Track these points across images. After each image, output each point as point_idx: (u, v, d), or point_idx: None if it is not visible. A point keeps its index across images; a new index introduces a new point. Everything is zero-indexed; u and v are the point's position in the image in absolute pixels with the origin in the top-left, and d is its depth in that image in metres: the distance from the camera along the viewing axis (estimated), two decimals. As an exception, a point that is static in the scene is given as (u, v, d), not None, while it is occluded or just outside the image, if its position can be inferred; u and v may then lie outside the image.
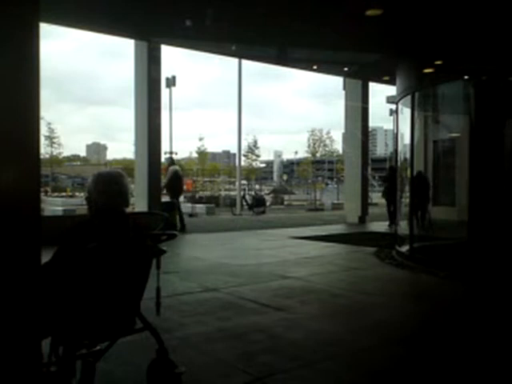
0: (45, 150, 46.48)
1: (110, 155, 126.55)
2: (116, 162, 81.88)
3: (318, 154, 51.60)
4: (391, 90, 15.36)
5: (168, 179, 13.64)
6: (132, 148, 35.59)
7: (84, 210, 3.00)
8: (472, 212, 7.54)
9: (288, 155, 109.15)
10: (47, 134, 47.19)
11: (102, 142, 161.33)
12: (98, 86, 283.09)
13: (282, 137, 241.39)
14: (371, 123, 17.60)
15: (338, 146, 53.57)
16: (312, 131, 48.83)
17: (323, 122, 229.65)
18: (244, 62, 24.52)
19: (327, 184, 52.98)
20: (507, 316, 5.12)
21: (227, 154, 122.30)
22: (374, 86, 16.59)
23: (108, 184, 2.88)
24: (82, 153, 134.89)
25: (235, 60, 23.84)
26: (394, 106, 11.16)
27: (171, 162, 14.61)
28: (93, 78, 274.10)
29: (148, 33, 11.42)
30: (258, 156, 47.00)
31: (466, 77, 7.77)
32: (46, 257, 2.41)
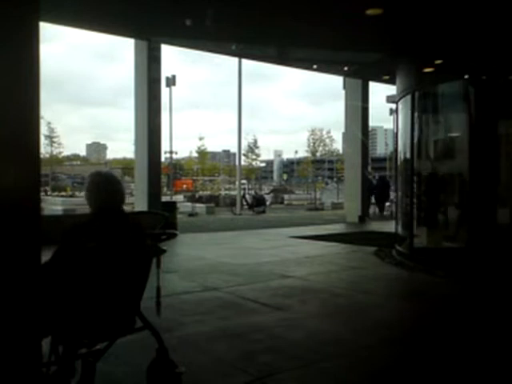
0: (45, 150, 46.52)
1: (110, 155, 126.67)
2: (116, 161, 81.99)
3: (318, 154, 51.59)
4: (391, 90, 15.37)
5: None
6: (132, 148, 35.67)
7: (84, 209, 3.01)
8: (471, 212, 7.54)
9: (287, 155, 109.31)
10: (47, 133, 47.23)
11: (102, 142, 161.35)
12: (96, 87, 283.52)
13: (280, 137, 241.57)
14: (371, 123, 17.63)
15: (338, 145, 53.64)
16: (312, 131, 48.85)
17: (322, 123, 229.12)
18: (237, 62, 24.52)
19: (327, 183, 53.03)
20: (506, 314, 5.12)
21: (227, 153, 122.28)
22: (374, 86, 16.63)
23: (107, 183, 2.89)
24: (82, 152, 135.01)
25: (234, 60, 23.87)
26: (394, 106, 11.16)
27: None
28: (90, 78, 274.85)
29: (148, 32, 11.41)
30: (257, 155, 47.03)
31: (466, 76, 7.76)
32: (45, 256, 2.41)
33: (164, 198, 19.56)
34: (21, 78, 1.92)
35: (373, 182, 20.11)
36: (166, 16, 9.36)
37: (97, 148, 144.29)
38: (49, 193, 37.63)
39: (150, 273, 2.88)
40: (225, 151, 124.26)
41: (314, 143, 48.69)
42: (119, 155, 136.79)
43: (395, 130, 10.09)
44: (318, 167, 65.01)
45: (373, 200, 19.65)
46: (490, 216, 7.28)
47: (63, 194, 37.75)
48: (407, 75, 9.17)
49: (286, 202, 35.10)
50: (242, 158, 32.97)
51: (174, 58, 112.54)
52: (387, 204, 20.15)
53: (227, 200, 28.31)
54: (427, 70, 8.58)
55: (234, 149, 71.15)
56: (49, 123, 47.93)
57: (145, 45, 11.99)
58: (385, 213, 19.38)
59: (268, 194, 38.49)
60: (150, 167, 12.19)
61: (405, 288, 6.94)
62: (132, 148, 38.33)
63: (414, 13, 8.06)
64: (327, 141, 50.68)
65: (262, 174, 70.20)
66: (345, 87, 16.41)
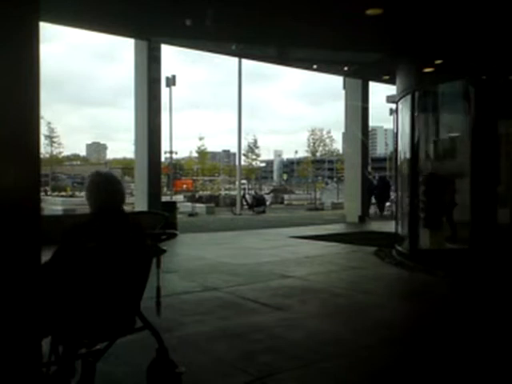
0: (45, 150, 46.55)
1: (110, 155, 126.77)
2: (116, 161, 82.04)
3: (318, 154, 51.61)
4: (391, 90, 15.38)
5: None
6: (132, 148, 35.71)
7: (84, 209, 3.01)
8: (472, 212, 7.53)
9: (287, 155, 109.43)
10: (47, 133, 47.29)
11: (102, 142, 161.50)
12: (96, 87, 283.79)
13: (280, 137, 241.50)
14: (371, 123, 17.65)
15: (338, 145, 53.69)
16: (312, 131, 48.88)
17: (322, 123, 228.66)
18: (237, 62, 24.53)
19: (327, 183, 53.10)
20: (506, 315, 5.12)
21: (227, 153, 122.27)
22: (374, 86, 16.64)
23: (107, 183, 2.88)
24: (82, 152, 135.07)
25: (234, 60, 23.87)
26: (394, 106, 11.16)
27: None
28: (90, 78, 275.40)
29: (148, 32, 11.42)
30: (257, 155, 47.06)
31: (466, 76, 7.76)
32: (45, 256, 2.41)
33: (164, 198, 19.56)
34: (21, 78, 1.92)
35: (373, 182, 20.25)
36: (166, 16, 9.36)
37: (97, 148, 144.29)
38: (49, 193, 37.64)
39: (150, 273, 2.88)
40: (225, 151, 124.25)
41: (314, 143, 48.72)
42: (119, 155, 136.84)
43: (395, 130, 10.09)
44: (318, 167, 65.02)
45: (373, 200, 19.88)
46: (490, 216, 7.27)
47: (63, 194, 37.77)
48: (407, 75, 9.17)
49: (286, 202, 35.12)
50: (242, 157, 33.01)
51: (174, 57, 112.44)
52: (388, 204, 20.32)
53: (227, 200, 28.32)
54: (427, 69, 8.57)
55: (234, 149, 71.22)
56: (49, 123, 48.00)
57: (145, 45, 11.99)
58: (385, 213, 19.51)
59: (268, 193, 38.50)
60: (150, 167, 12.20)
61: (405, 288, 6.94)
62: (132, 148, 38.42)
63: (414, 13, 8.06)
64: (327, 141, 50.76)
65: (262, 173, 70.24)
66: (345, 87, 16.41)
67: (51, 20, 9.53)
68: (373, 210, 19.55)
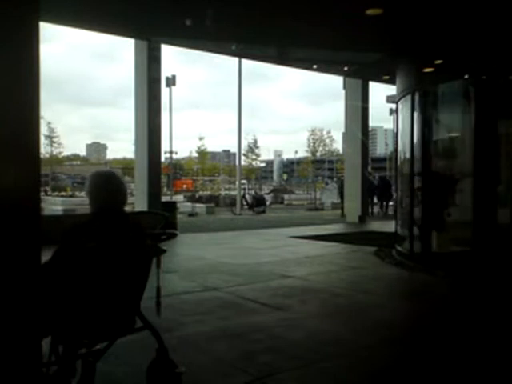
0: (45, 150, 46.63)
1: (110, 155, 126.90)
2: (116, 161, 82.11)
3: (318, 154, 51.64)
4: (391, 90, 15.38)
5: None
6: (132, 148, 35.75)
7: (84, 209, 3.01)
8: (473, 212, 7.53)
9: (287, 155, 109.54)
10: (47, 133, 47.35)
11: (102, 142, 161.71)
12: (96, 87, 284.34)
13: (280, 137, 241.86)
14: (371, 123, 17.65)
15: (338, 145, 53.74)
16: (312, 131, 48.91)
17: (322, 123, 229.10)
18: (237, 62, 24.54)
19: (327, 183, 53.20)
20: (506, 315, 5.12)
21: (227, 153, 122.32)
22: (374, 86, 16.64)
23: (107, 182, 2.88)
24: (82, 152, 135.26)
25: (234, 60, 23.88)
26: (394, 106, 11.16)
27: None
28: (90, 78, 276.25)
29: (148, 32, 11.41)
30: (257, 155, 47.09)
31: (466, 76, 7.76)
32: (45, 256, 2.41)
33: (164, 198, 19.57)
34: (21, 78, 1.92)
35: (373, 183, 20.35)
36: (166, 16, 9.36)
37: (97, 148, 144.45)
38: (49, 193, 37.65)
39: (150, 273, 2.88)
40: (225, 151, 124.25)
41: (314, 143, 48.76)
42: (119, 155, 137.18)
43: (395, 130, 10.09)
44: (318, 167, 65.07)
45: (375, 200, 20.09)
46: (491, 216, 7.27)
47: (63, 194, 37.77)
48: (407, 75, 9.17)
49: (286, 202, 35.15)
50: (242, 157, 33.02)
51: (174, 57, 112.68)
52: (391, 203, 20.46)
53: (227, 200, 28.34)
54: (427, 69, 8.57)
55: (234, 149, 71.37)
56: (49, 123, 48.11)
57: (145, 45, 11.99)
58: (388, 212, 19.61)
59: (268, 193, 38.53)
60: (150, 167, 12.20)
61: (405, 288, 6.94)
62: (132, 148, 38.49)
63: (414, 13, 8.06)
64: (327, 141, 50.82)
65: (262, 173, 70.32)
66: (345, 87, 16.41)
67: (51, 20, 9.53)
68: (376, 209, 19.82)
